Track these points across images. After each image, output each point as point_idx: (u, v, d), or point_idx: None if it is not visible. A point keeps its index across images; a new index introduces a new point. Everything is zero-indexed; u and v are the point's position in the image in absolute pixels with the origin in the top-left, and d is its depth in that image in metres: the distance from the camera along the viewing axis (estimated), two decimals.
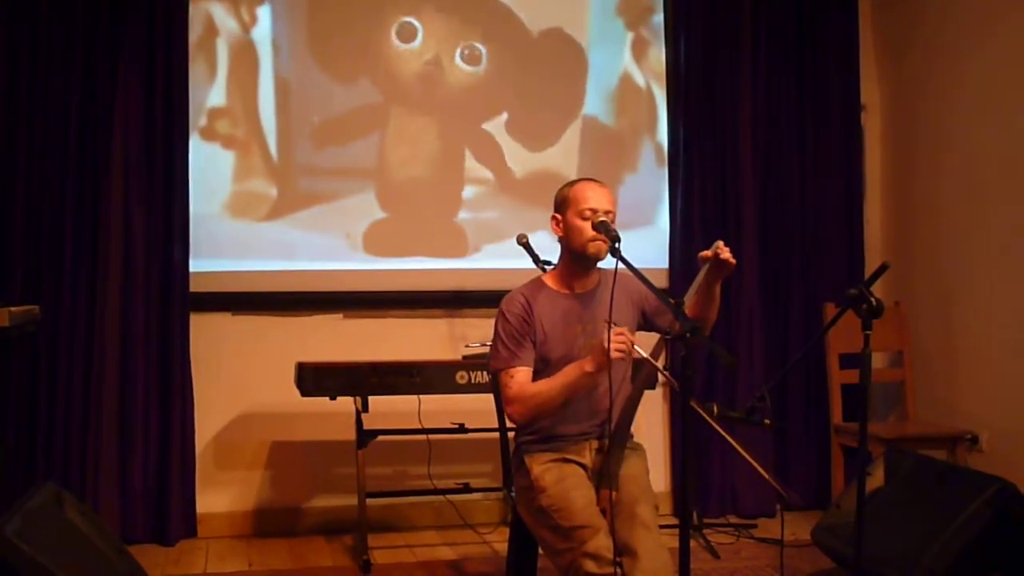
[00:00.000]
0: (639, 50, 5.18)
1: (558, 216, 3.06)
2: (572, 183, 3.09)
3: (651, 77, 5.19)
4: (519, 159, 5.01)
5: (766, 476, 2.76)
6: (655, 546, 2.75)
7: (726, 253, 2.85)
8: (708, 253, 2.87)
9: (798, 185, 5.17)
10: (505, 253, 4.77)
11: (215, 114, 4.71)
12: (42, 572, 2.96)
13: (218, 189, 4.70)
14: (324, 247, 4.81)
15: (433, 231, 4.95)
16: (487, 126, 4.97)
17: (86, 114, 4.43)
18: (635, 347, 2.80)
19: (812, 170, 5.20)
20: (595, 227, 2.93)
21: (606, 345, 2.74)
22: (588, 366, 2.83)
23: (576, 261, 3.06)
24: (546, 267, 3.91)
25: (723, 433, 2.72)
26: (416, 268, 4.89)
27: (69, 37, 4.39)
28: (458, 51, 4.94)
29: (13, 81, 4.34)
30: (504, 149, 4.99)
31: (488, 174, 4.98)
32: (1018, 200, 4.51)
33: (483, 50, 4.97)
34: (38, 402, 4.33)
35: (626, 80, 5.16)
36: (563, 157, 5.05)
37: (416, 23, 4.90)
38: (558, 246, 3.13)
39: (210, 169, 4.67)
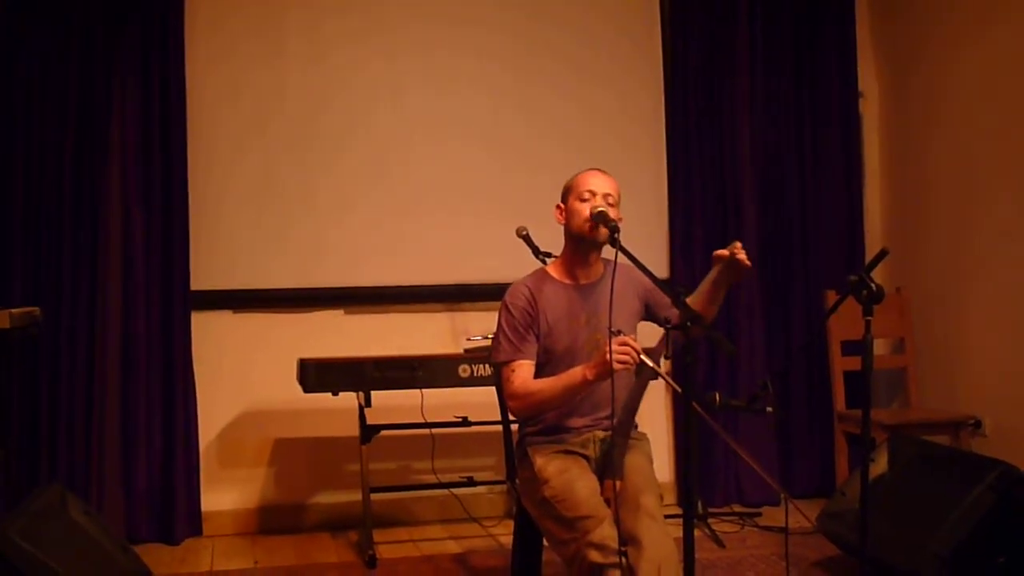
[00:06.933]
0: None
1: (561, 204, 3.07)
2: (577, 173, 3.08)
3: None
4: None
5: (763, 474, 2.75)
6: (660, 535, 2.74)
7: (742, 254, 2.80)
8: (724, 252, 2.82)
9: (797, 173, 5.17)
10: (501, 248, 4.77)
11: None
12: (47, 572, 2.97)
13: None
14: (311, 245, 4.77)
15: (425, 229, 4.90)
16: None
17: (83, 112, 4.42)
18: (641, 356, 2.69)
19: (811, 158, 5.20)
20: (593, 218, 2.92)
21: (608, 356, 2.69)
22: (589, 374, 2.80)
23: (578, 247, 3.04)
24: (546, 259, 3.90)
25: (723, 433, 2.69)
26: (414, 263, 4.87)
27: (66, 34, 4.39)
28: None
29: (10, 79, 4.34)
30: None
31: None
32: (1017, 185, 4.50)
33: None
34: (41, 403, 4.34)
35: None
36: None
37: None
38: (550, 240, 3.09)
39: None
